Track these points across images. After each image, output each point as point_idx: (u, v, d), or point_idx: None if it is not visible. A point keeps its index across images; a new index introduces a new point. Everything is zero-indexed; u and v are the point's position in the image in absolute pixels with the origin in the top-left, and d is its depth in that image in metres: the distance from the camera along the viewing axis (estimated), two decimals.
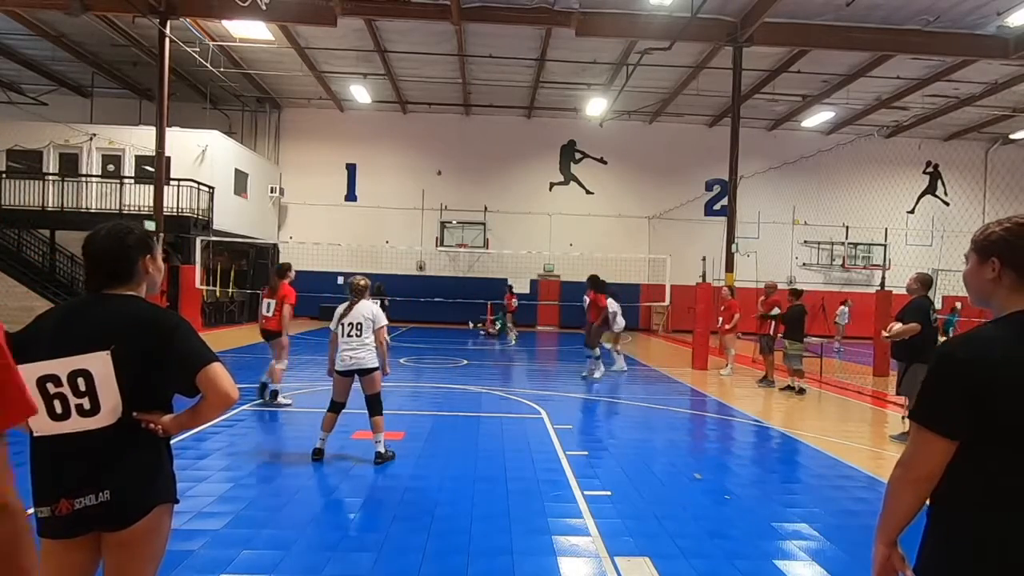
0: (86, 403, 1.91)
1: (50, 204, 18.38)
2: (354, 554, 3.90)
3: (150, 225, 15.93)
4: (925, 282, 7.50)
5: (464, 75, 20.31)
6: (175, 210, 17.71)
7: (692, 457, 6.68)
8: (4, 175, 18.63)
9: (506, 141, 24.98)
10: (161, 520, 2.03)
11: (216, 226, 19.30)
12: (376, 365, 5.83)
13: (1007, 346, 1.51)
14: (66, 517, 1.89)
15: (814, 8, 15.05)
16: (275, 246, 24.15)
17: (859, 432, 8.08)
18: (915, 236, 24.90)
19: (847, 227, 23.92)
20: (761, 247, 21.08)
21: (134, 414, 1.95)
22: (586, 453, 6.49)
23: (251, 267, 22.93)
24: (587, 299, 11.82)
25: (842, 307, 20.35)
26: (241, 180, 21.30)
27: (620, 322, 12.61)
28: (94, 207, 18.49)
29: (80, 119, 21.04)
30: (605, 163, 25.38)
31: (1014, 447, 1.46)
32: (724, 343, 13.28)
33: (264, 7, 14.45)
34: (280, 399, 8.28)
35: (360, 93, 20.84)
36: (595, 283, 11.75)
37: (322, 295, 21.13)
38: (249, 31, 16.81)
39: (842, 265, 24.73)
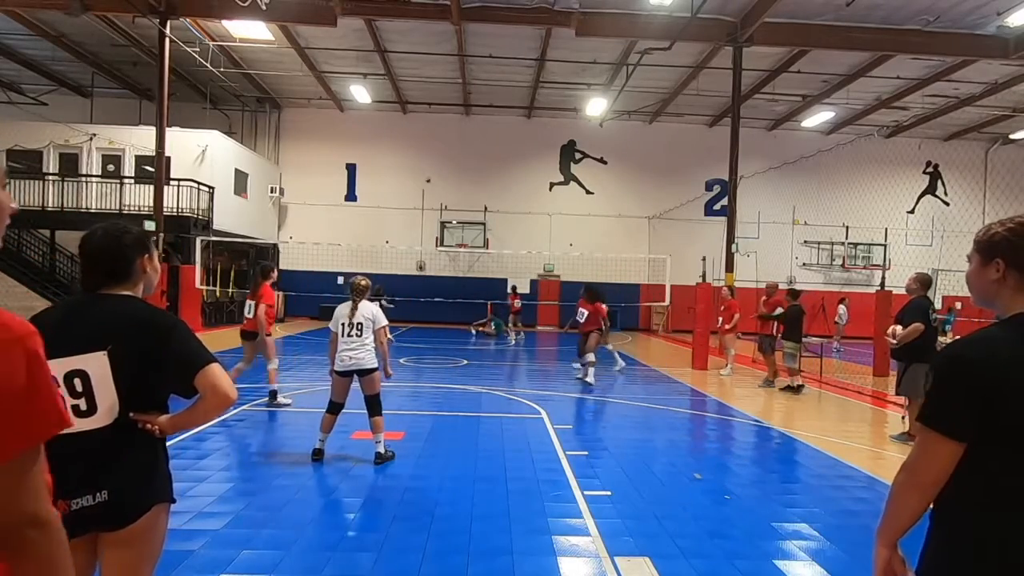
0: (83, 404, 1.91)
1: (50, 204, 18.38)
2: (354, 554, 3.90)
3: (150, 225, 15.95)
4: (924, 282, 7.50)
5: (464, 75, 20.32)
6: (175, 210, 17.71)
7: (692, 457, 6.68)
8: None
9: (506, 141, 24.98)
10: (158, 519, 2.03)
11: (216, 226, 19.31)
12: (375, 366, 5.82)
13: (1013, 347, 1.50)
14: (64, 518, 1.88)
15: (814, 8, 15.05)
16: (275, 246, 24.16)
17: (859, 432, 8.08)
18: (915, 236, 24.91)
19: (847, 227, 23.92)
20: (761, 247, 21.08)
21: (131, 414, 1.95)
22: (586, 453, 6.49)
23: (251, 267, 22.92)
24: (584, 311, 11.20)
25: (841, 306, 20.35)
26: (241, 180, 21.31)
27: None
28: (94, 207, 18.49)
29: (80, 119, 21.04)
30: (605, 163, 25.38)
31: (1015, 447, 1.46)
32: (724, 343, 13.28)
33: (264, 7, 14.46)
34: (280, 399, 8.27)
35: (360, 93, 20.84)
36: (595, 295, 11.26)
37: (322, 295, 21.15)
38: (249, 31, 16.81)
39: (842, 265, 24.73)
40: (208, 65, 18.16)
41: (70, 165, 19.54)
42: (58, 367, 1.89)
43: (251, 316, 8.17)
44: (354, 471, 5.57)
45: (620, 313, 22.76)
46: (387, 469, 5.68)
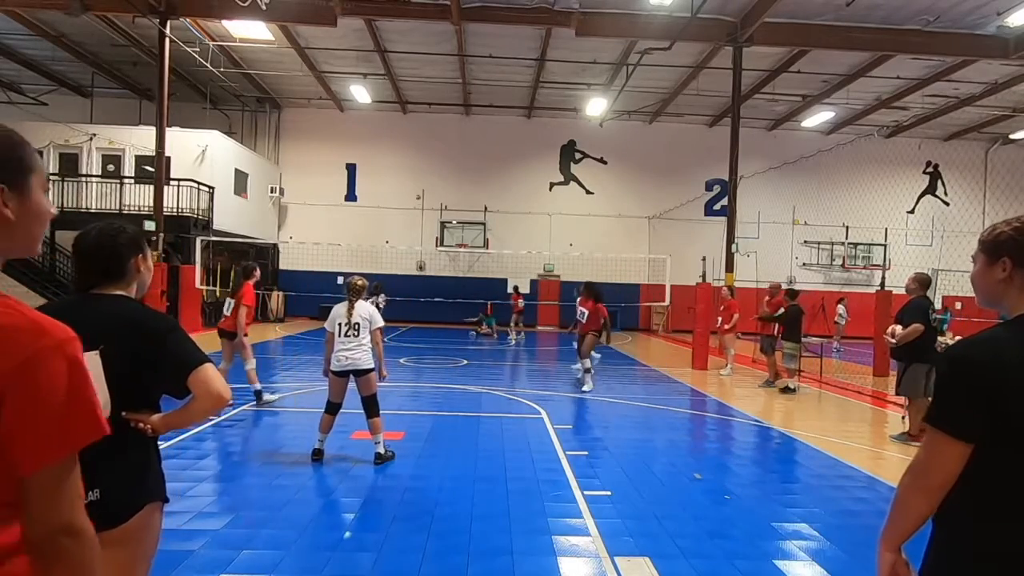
0: None
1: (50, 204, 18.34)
2: (354, 554, 3.90)
3: (150, 225, 15.94)
4: (924, 282, 7.51)
5: (464, 75, 20.31)
6: (175, 210, 17.71)
7: (692, 457, 6.68)
8: None
9: (506, 141, 24.98)
10: (151, 518, 2.03)
11: (216, 226, 19.30)
12: (372, 366, 5.81)
13: (1019, 347, 1.49)
14: None
15: (814, 8, 15.05)
16: (275, 246, 24.16)
17: (859, 432, 8.08)
18: (915, 236, 24.90)
19: (847, 227, 23.91)
20: (761, 247, 21.07)
21: (123, 414, 1.95)
22: (586, 453, 6.49)
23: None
24: (584, 310, 10.69)
25: (840, 306, 20.36)
26: (241, 180, 21.30)
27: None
28: (94, 207, 18.49)
29: (80, 119, 21.03)
30: (605, 163, 25.38)
31: (1018, 448, 1.45)
32: (724, 343, 13.28)
33: (264, 7, 14.45)
34: (266, 396, 8.21)
35: (360, 93, 20.84)
36: (596, 293, 10.69)
37: (322, 295, 21.14)
38: (249, 31, 16.80)
39: (842, 265, 24.73)
40: (208, 65, 18.16)
41: (70, 165, 19.53)
42: None
43: (228, 314, 8.14)
44: (354, 471, 5.57)
45: (620, 313, 22.78)
46: (387, 469, 5.68)
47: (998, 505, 1.47)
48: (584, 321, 10.71)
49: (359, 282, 5.95)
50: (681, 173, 24.86)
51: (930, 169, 25.83)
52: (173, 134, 17.17)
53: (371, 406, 5.80)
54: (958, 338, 1.65)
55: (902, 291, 7.91)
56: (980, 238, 1.69)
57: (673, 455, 6.64)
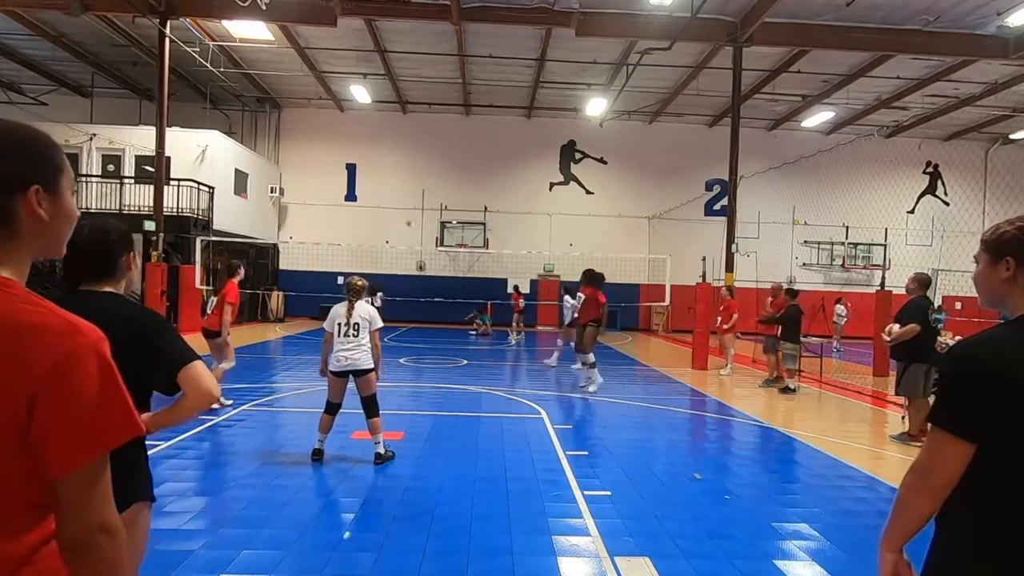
0: None
1: None
2: (354, 554, 3.90)
3: (150, 225, 15.94)
4: (923, 282, 7.51)
5: (464, 75, 20.31)
6: (175, 210, 17.71)
7: (692, 457, 6.68)
8: None
9: (506, 141, 24.98)
10: (139, 517, 2.03)
11: (216, 226, 19.30)
12: (372, 366, 5.80)
13: (1021, 347, 1.48)
14: None
15: (814, 8, 15.05)
16: (275, 246, 24.16)
17: (859, 432, 8.08)
18: (915, 236, 24.90)
19: (847, 227, 23.91)
20: (761, 247, 21.06)
21: None
22: (586, 453, 6.49)
23: (251, 267, 22.91)
24: (581, 296, 10.27)
25: (838, 306, 20.37)
26: (241, 180, 21.30)
27: (576, 316, 12.85)
28: (94, 207, 18.47)
29: (80, 119, 21.03)
30: (605, 163, 25.38)
31: (1019, 448, 1.45)
32: (724, 343, 13.28)
33: (264, 7, 14.45)
34: (223, 400, 7.92)
35: (360, 93, 20.84)
36: (595, 279, 10.06)
37: (322, 295, 21.13)
38: (249, 31, 16.80)
39: (842, 265, 24.73)
40: (208, 65, 18.16)
41: (70, 165, 19.50)
42: None
43: (211, 312, 8.02)
44: (354, 471, 5.57)
45: (620, 313, 22.77)
46: (387, 469, 5.67)
47: (999, 505, 1.47)
48: (580, 307, 10.00)
49: (359, 282, 5.95)
50: (681, 173, 24.85)
51: (930, 169, 25.83)
52: (173, 134, 17.17)
53: (371, 406, 5.80)
54: (958, 338, 1.65)
55: (902, 291, 7.91)
56: (983, 238, 1.68)
57: (673, 455, 6.64)
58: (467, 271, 24.99)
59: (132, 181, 19.06)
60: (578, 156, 25.43)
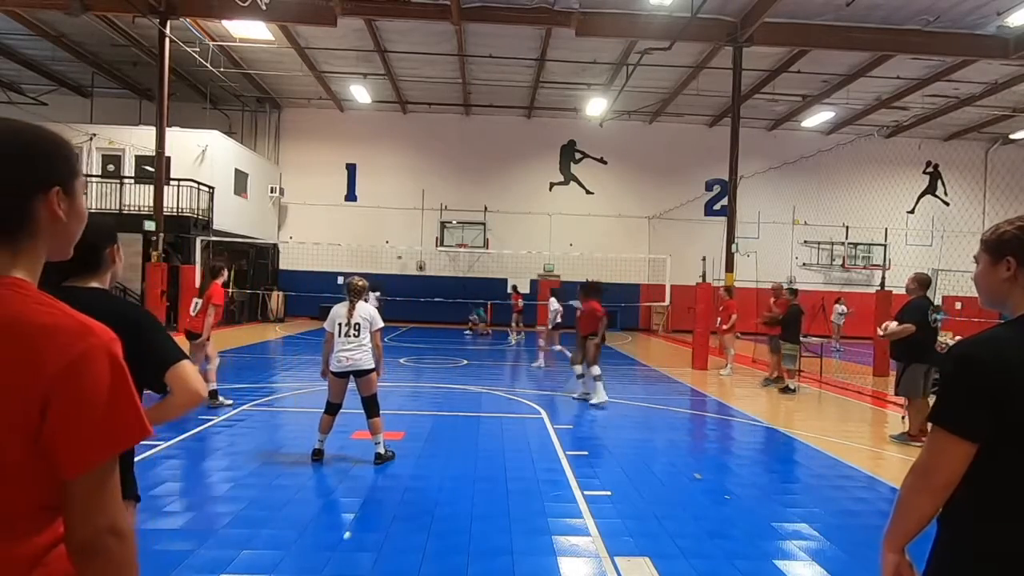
0: None
1: None
2: (354, 554, 3.90)
3: (150, 225, 15.94)
4: (923, 282, 7.52)
5: (464, 75, 20.31)
6: (175, 210, 17.71)
7: (692, 457, 6.68)
8: None
9: (506, 141, 24.98)
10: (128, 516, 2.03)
11: (216, 226, 19.31)
12: (372, 366, 5.80)
13: (1021, 347, 1.48)
14: None
15: (814, 8, 15.05)
16: (275, 246, 24.16)
17: (859, 432, 8.08)
18: (915, 236, 24.90)
19: (847, 227, 23.91)
20: (761, 247, 21.06)
21: None
22: (586, 453, 6.49)
23: (251, 267, 22.95)
24: (575, 304, 9.81)
25: (837, 305, 20.36)
26: (241, 180, 21.31)
27: (559, 320, 13.59)
28: (94, 207, 18.43)
29: (80, 119, 21.04)
30: (605, 163, 25.38)
31: (1020, 448, 1.45)
32: (724, 343, 13.28)
33: (264, 7, 14.45)
34: (221, 399, 7.91)
35: (360, 93, 20.84)
36: (596, 290, 9.41)
37: (322, 295, 21.14)
38: (249, 31, 16.80)
39: (842, 265, 24.73)
40: (208, 65, 18.16)
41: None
42: None
43: (194, 314, 7.96)
44: (354, 471, 5.57)
45: (620, 313, 22.78)
46: (387, 469, 5.67)
47: (1000, 505, 1.46)
48: (578, 317, 9.56)
49: (359, 283, 5.94)
50: (681, 173, 24.86)
51: (930, 169, 25.83)
52: (173, 134, 17.17)
53: (371, 406, 5.79)
54: (958, 338, 1.65)
55: (902, 291, 7.92)
56: (983, 238, 1.67)
57: (673, 455, 6.64)
58: (467, 271, 24.99)
59: (132, 181, 19.06)
60: (578, 156, 25.43)
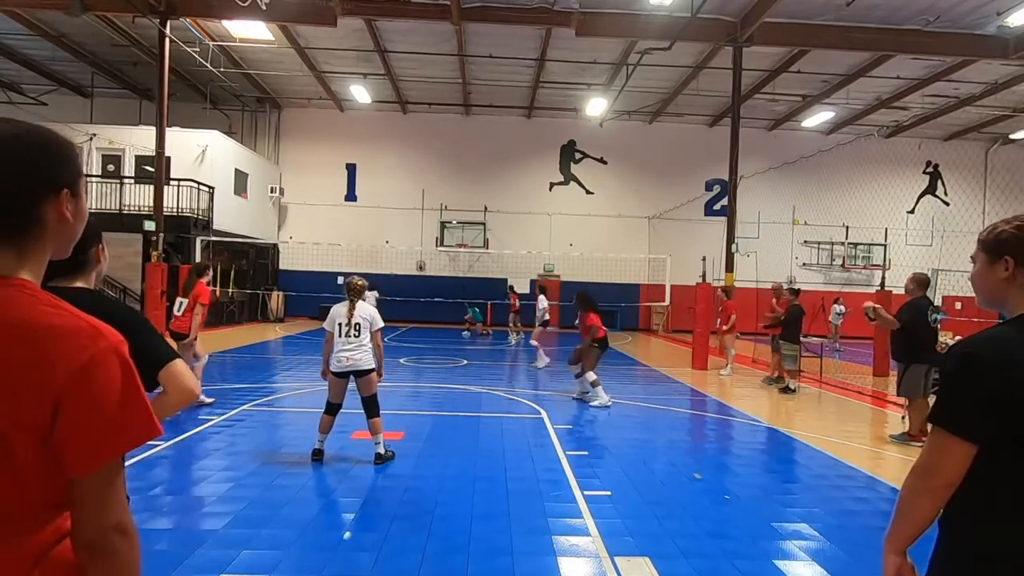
0: None
1: None
2: (354, 554, 3.90)
3: (150, 225, 15.94)
4: (922, 282, 7.52)
5: (464, 75, 20.32)
6: (175, 210, 17.71)
7: (692, 457, 6.68)
8: None
9: (506, 141, 24.98)
10: None
11: (216, 226, 19.31)
12: (373, 366, 5.80)
13: (1022, 346, 1.47)
14: None
15: (814, 8, 15.05)
16: (275, 246, 24.17)
17: (859, 432, 8.08)
18: (915, 236, 24.90)
19: (847, 227, 23.91)
20: (761, 247, 21.07)
21: None
22: (586, 453, 6.49)
23: (251, 267, 22.95)
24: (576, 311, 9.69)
25: (836, 305, 20.36)
26: (241, 180, 21.31)
27: (546, 318, 13.80)
28: (94, 207, 18.42)
29: (80, 119, 21.04)
30: (605, 163, 25.38)
31: (1020, 448, 1.44)
32: (724, 343, 13.28)
33: (264, 7, 14.45)
34: (202, 397, 7.85)
35: (360, 93, 20.84)
36: (583, 303, 9.51)
37: (322, 295, 21.14)
38: (249, 31, 16.81)
39: (842, 265, 24.73)
40: (208, 65, 18.16)
41: None
42: None
43: (180, 314, 7.89)
44: (354, 471, 5.57)
45: (620, 313, 22.79)
46: (387, 469, 5.67)
47: (1000, 506, 1.46)
48: (580, 327, 9.62)
49: (359, 282, 5.94)
50: (681, 173, 24.86)
51: (930, 169, 25.83)
52: (173, 134, 17.16)
53: (371, 406, 5.79)
54: (958, 338, 1.64)
55: (902, 291, 7.92)
56: (980, 237, 1.66)
57: (673, 455, 6.64)
58: (467, 271, 24.99)
59: (132, 181, 19.07)
60: (578, 156, 25.43)
